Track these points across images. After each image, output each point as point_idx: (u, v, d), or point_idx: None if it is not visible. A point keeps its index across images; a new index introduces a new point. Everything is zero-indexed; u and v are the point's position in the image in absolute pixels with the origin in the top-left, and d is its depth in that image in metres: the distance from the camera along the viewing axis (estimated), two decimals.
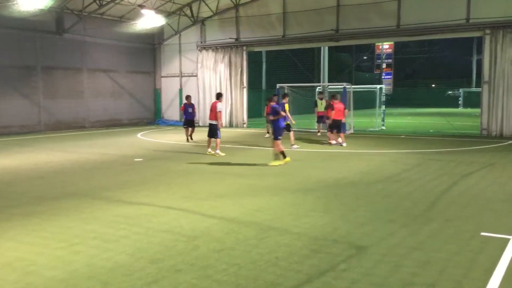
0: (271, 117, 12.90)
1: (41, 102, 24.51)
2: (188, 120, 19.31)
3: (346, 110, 18.62)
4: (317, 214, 7.66)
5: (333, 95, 18.52)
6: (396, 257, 5.62)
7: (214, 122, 14.84)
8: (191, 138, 19.20)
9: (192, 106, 19.51)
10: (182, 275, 5.08)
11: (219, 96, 15.36)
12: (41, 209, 8.14)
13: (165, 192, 9.45)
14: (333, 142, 17.61)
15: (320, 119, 21.80)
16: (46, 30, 24.49)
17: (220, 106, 14.81)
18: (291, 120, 17.25)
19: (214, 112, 14.80)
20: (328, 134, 17.97)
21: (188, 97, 19.63)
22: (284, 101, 16.87)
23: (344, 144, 17.03)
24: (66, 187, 10.14)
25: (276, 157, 12.99)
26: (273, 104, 13.37)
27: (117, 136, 22.32)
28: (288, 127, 16.45)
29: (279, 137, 12.78)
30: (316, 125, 22.72)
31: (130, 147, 17.62)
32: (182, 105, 19.82)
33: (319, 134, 21.70)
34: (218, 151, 14.74)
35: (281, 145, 12.77)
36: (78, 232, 6.71)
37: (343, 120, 18.10)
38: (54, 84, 25.18)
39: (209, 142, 15.33)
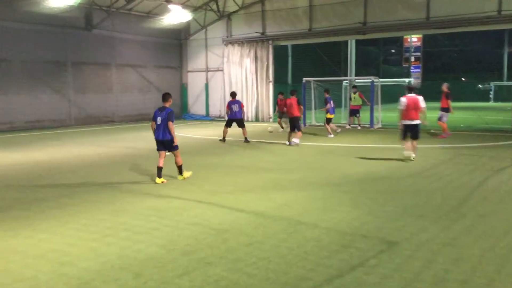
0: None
1: (71, 97, 25.00)
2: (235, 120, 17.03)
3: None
4: (345, 208, 7.61)
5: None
6: (428, 253, 5.54)
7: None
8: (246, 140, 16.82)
9: (238, 102, 17.21)
10: (212, 268, 5.13)
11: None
12: (73, 201, 8.32)
13: (193, 185, 9.54)
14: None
15: (353, 112, 22.09)
16: (75, 26, 24.92)
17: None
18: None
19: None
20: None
21: (233, 94, 17.51)
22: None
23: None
24: (97, 180, 10.32)
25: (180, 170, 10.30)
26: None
27: (145, 130, 22.58)
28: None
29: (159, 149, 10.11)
30: (348, 119, 22.80)
31: None
32: (227, 104, 17.41)
33: (355, 127, 22.01)
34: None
35: (162, 159, 10.02)
36: (110, 224, 6.84)
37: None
38: (84, 79, 25.64)
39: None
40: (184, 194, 8.69)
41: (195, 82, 31.15)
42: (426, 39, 63.36)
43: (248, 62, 27.95)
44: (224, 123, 17.69)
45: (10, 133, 21.21)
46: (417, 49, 64.57)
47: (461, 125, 23.06)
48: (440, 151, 14.03)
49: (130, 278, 4.87)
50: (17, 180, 10.40)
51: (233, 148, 15.38)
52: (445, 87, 18.23)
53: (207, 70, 30.41)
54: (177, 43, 31.09)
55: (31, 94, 23.19)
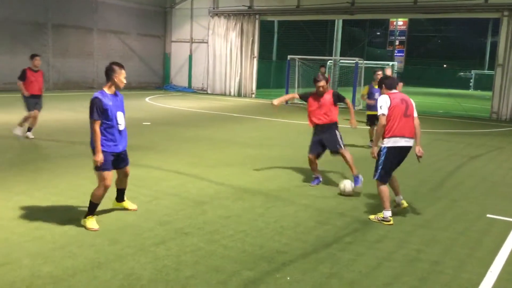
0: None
1: (50, 61, 24.40)
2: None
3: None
4: (323, 186, 7.69)
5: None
6: (401, 233, 5.66)
7: None
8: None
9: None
10: (189, 238, 5.15)
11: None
12: (50, 166, 8.21)
13: (173, 157, 9.50)
14: None
15: None
16: None
17: None
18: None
19: None
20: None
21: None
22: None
23: None
24: (76, 145, 10.19)
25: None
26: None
27: (125, 99, 22.25)
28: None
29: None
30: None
31: (138, 110, 17.61)
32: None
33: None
34: None
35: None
36: (88, 190, 6.74)
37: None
38: (64, 42, 25.03)
39: None
40: (165, 165, 8.65)
41: (178, 53, 30.71)
42: (411, 24, 63.49)
43: (234, 36, 27.61)
44: None
45: None
46: (402, 33, 64.64)
47: (440, 111, 23.38)
48: None
49: (106, 244, 4.86)
50: None
51: (215, 122, 15.31)
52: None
53: (192, 41, 29.96)
54: (161, 11, 30.48)
55: (10, 54, 22.54)
